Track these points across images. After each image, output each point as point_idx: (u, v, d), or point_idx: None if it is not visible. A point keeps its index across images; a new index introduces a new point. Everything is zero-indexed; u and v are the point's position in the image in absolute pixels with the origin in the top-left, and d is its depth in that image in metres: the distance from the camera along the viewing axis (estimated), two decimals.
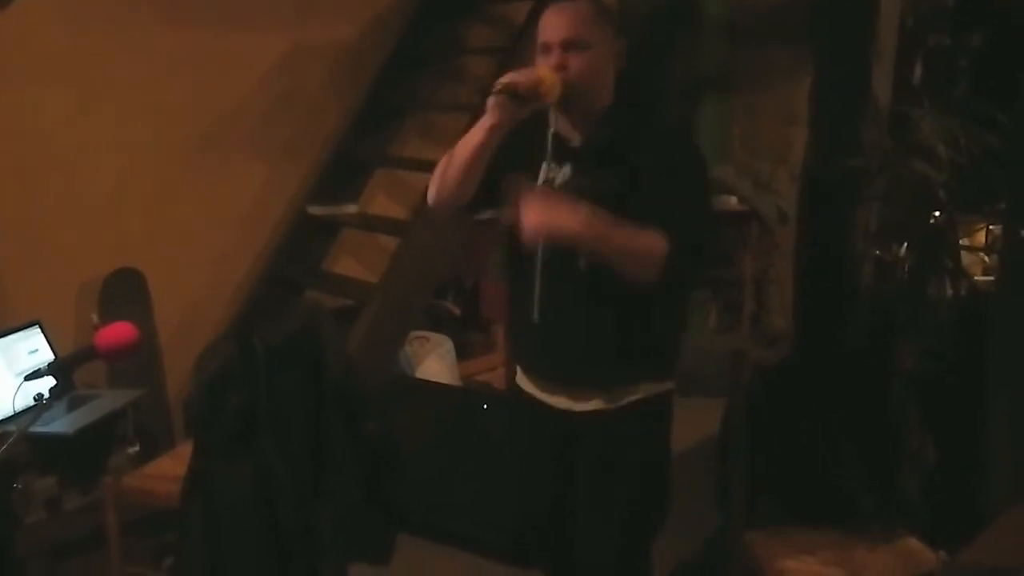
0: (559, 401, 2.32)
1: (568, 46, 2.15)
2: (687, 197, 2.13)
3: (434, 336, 4.44)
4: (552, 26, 2.17)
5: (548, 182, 2.21)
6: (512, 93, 2.07)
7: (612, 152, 2.18)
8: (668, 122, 2.34)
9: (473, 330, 4.83)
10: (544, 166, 2.22)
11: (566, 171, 2.21)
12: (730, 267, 5.52)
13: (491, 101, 2.11)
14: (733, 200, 5.35)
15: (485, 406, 3.60)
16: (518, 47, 4.13)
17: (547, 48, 2.17)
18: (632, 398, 2.27)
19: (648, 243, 2.03)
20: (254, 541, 2.69)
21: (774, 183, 5.31)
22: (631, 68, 2.27)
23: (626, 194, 2.09)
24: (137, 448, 3.35)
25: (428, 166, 4.48)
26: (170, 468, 3.06)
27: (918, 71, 3.32)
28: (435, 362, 4.31)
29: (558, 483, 2.37)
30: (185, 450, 2.96)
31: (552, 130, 2.21)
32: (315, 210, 4.48)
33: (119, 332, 1.95)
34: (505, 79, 2.09)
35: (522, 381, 2.42)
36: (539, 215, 2.01)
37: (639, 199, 2.07)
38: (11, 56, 3.57)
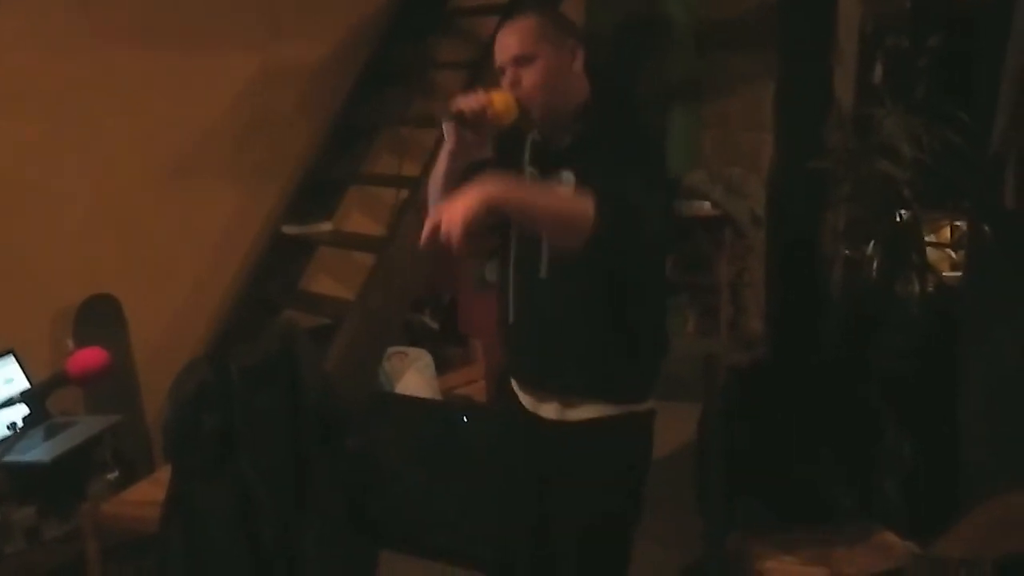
0: (528, 402, 2.37)
1: (518, 62, 2.18)
2: (625, 167, 2.07)
3: (412, 351, 4.44)
4: (501, 48, 2.22)
5: None
6: (459, 119, 2.10)
7: (584, 148, 2.19)
8: (637, 120, 2.34)
9: (451, 344, 4.83)
10: (526, 172, 2.26)
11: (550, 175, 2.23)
12: (706, 272, 5.56)
13: (444, 127, 2.15)
14: (706, 205, 5.40)
15: (465, 419, 3.60)
16: (487, 61, 4.13)
17: (501, 70, 2.21)
18: (594, 412, 2.26)
19: (575, 206, 1.98)
20: (235, 562, 2.69)
21: (746, 188, 5.36)
22: (601, 75, 2.28)
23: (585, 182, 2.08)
24: (116, 474, 3.33)
25: (401, 182, 4.58)
26: (149, 493, 3.05)
27: (879, 72, 3.37)
28: (414, 377, 4.31)
29: (533, 489, 2.39)
30: (164, 475, 2.95)
31: (531, 138, 2.27)
32: (290, 229, 4.48)
33: (90, 357, 1.95)
34: (453, 105, 2.11)
35: (508, 378, 2.47)
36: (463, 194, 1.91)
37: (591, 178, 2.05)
38: None
